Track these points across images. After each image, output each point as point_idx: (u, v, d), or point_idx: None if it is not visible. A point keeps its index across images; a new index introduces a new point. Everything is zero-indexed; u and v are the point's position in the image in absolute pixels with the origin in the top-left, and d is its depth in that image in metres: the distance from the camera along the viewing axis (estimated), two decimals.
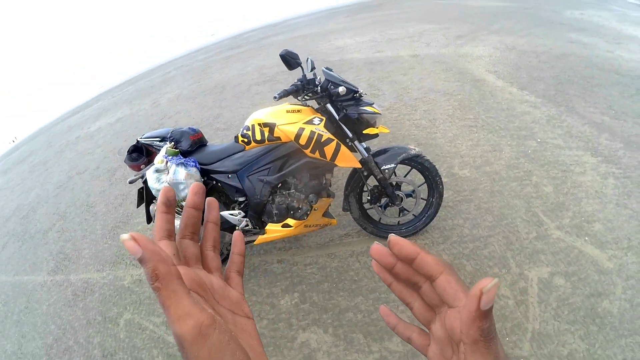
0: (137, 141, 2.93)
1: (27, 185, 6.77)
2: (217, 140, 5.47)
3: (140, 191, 2.95)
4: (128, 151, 2.95)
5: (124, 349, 2.91)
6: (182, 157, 2.66)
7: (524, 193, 3.26)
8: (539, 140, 3.93)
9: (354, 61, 7.26)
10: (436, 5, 11.70)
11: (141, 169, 2.91)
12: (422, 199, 2.92)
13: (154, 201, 2.90)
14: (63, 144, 8.26)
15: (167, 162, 2.64)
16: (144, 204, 2.98)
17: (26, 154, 8.83)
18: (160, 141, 2.83)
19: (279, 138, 2.51)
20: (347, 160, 2.50)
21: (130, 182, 2.91)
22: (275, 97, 2.41)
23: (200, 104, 7.44)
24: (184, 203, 2.64)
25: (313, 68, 2.65)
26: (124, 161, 2.96)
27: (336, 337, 2.51)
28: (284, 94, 2.46)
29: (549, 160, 3.62)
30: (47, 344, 3.21)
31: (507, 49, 6.70)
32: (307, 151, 2.46)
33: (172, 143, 2.73)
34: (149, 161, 2.94)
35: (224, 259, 3.16)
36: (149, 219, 3.04)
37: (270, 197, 2.72)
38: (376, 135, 2.60)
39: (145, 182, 2.81)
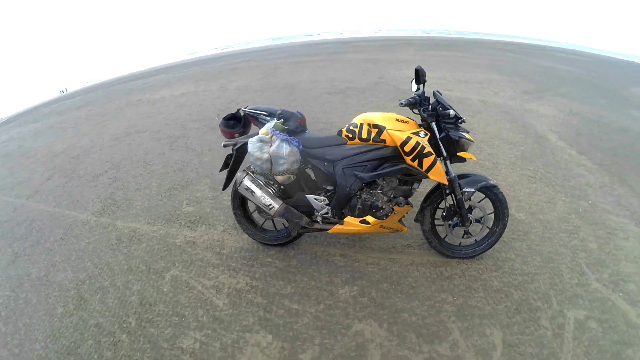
0: (238, 110, 3.18)
1: (81, 130, 6.89)
2: None
3: (228, 156, 3.17)
4: (225, 117, 3.16)
5: (166, 302, 3.00)
6: (287, 135, 2.89)
7: (571, 245, 3.53)
8: (590, 202, 4.21)
9: None
10: (505, 57, 11.94)
11: (234, 137, 3.14)
12: (487, 227, 3.21)
13: (245, 170, 3.11)
14: (123, 103, 8.41)
15: (272, 135, 2.86)
16: (226, 170, 3.20)
17: (82, 103, 8.97)
18: (267, 115, 3.07)
19: (384, 141, 2.80)
20: (439, 175, 2.79)
21: (224, 146, 3.13)
22: (401, 103, 2.78)
23: (269, 98, 7.63)
24: (277, 177, 2.92)
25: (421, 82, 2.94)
26: (219, 125, 3.16)
27: (390, 332, 2.70)
28: (408, 103, 2.80)
29: (597, 221, 3.88)
30: (78, 279, 3.30)
31: (571, 113, 6.99)
32: (408, 158, 2.75)
33: (282, 120, 2.93)
34: (244, 132, 3.18)
35: (292, 240, 3.43)
36: (226, 185, 3.25)
37: (358, 192, 3.01)
38: (465, 160, 2.93)
39: (236, 150, 3.07)
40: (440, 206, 3.20)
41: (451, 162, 2.94)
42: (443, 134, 2.86)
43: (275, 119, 2.99)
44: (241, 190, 3.08)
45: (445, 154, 2.88)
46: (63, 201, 4.47)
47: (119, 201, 4.36)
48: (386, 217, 3.02)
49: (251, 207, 3.46)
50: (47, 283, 3.29)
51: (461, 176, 3.06)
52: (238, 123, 3.18)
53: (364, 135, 2.86)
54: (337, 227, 3.11)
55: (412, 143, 2.71)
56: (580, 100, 7.87)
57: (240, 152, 3.13)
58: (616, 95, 8.54)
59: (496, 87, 8.38)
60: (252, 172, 3.08)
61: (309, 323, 2.78)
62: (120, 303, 3.02)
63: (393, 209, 3.00)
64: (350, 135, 2.91)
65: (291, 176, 2.95)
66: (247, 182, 3.04)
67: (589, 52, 15.06)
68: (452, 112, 2.73)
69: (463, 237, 3.26)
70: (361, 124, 2.88)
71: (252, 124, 3.23)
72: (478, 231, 3.25)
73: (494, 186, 3.04)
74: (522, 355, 2.56)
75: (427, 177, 2.83)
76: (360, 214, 3.06)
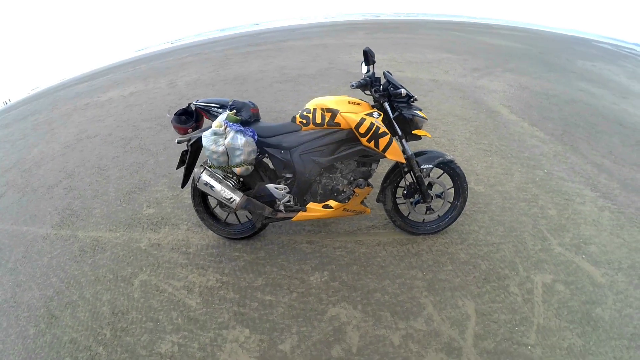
0: (189, 105, 3.08)
1: (29, 141, 6.58)
2: None
3: (183, 153, 3.08)
4: (176, 113, 3.05)
5: (138, 308, 2.91)
6: (241, 126, 2.83)
7: (531, 213, 3.63)
8: (545, 171, 4.34)
9: None
10: (452, 36, 12.18)
11: (187, 133, 3.05)
12: (448, 201, 3.25)
13: (202, 165, 3.03)
14: (70, 108, 8.12)
15: (226, 127, 2.77)
16: (183, 167, 3.12)
17: (28, 113, 8.63)
18: (218, 108, 3.00)
19: (338, 124, 2.78)
20: (396, 154, 2.79)
21: (179, 143, 3.04)
22: (352, 85, 2.75)
23: (221, 91, 7.50)
24: (235, 169, 2.84)
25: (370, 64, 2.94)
26: (171, 121, 3.05)
27: (365, 313, 2.71)
28: (359, 85, 2.79)
29: (553, 189, 4.01)
30: (46, 296, 3.14)
31: (520, 88, 7.19)
32: (364, 140, 2.74)
33: (234, 111, 2.88)
34: (197, 127, 3.09)
35: (258, 231, 3.36)
36: (184, 183, 3.19)
37: (318, 177, 2.98)
38: (420, 138, 2.94)
39: (191, 145, 2.99)
40: (400, 185, 3.22)
41: (407, 141, 2.95)
42: (396, 114, 2.86)
43: (227, 110, 2.92)
44: (200, 186, 2.99)
45: (400, 132, 2.88)
46: (20, 217, 4.25)
47: (77, 211, 4.18)
48: (348, 200, 3.01)
49: (212, 202, 3.36)
50: (14, 305, 3.12)
51: (418, 154, 3.08)
52: (190, 118, 3.08)
53: (318, 120, 2.83)
54: (300, 214, 3.08)
55: (366, 124, 2.71)
56: (528, 75, 8.11)
57: (195, 147, 3.03)
58: (563, 69, 8.86)
59: (446, 66, 8.52)
60: (210, 167, 2.98)
61: (284, 313, 2.77)
62: (92, 315, 2.90)
63: (354, 191, 2.99)
64: (305, 121, 2.88)
65: (249, 167, 2.89)
66: (205, 177, 2.95)
67: (533, 29, 15.54)
68: (403, 91, 2.73)
69: (426, 213, 3.29)
70: (314, 109, 2.85)
71: (204, 117, 3.14)
72: (440, 206, 3.29)
73: (451, 161, 3.07)
74: (496, 322, 2.61)
75: (385, 157, 2.84)
76: (322, 199, 3.04)
